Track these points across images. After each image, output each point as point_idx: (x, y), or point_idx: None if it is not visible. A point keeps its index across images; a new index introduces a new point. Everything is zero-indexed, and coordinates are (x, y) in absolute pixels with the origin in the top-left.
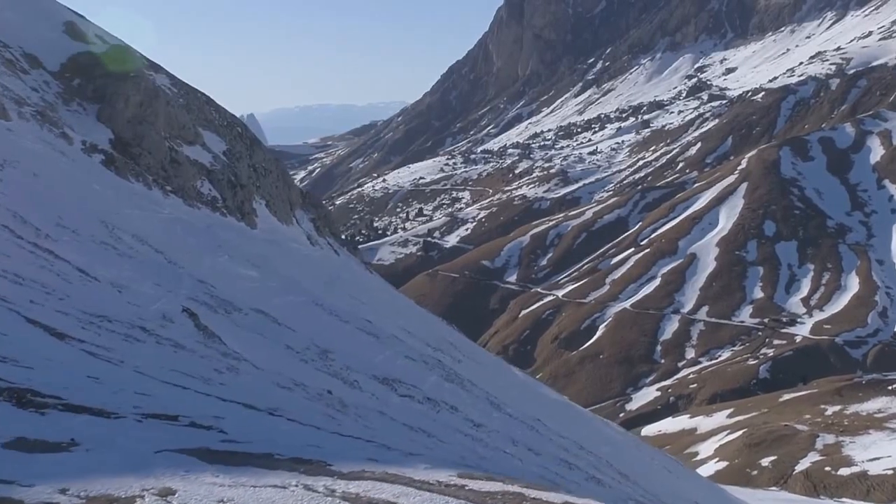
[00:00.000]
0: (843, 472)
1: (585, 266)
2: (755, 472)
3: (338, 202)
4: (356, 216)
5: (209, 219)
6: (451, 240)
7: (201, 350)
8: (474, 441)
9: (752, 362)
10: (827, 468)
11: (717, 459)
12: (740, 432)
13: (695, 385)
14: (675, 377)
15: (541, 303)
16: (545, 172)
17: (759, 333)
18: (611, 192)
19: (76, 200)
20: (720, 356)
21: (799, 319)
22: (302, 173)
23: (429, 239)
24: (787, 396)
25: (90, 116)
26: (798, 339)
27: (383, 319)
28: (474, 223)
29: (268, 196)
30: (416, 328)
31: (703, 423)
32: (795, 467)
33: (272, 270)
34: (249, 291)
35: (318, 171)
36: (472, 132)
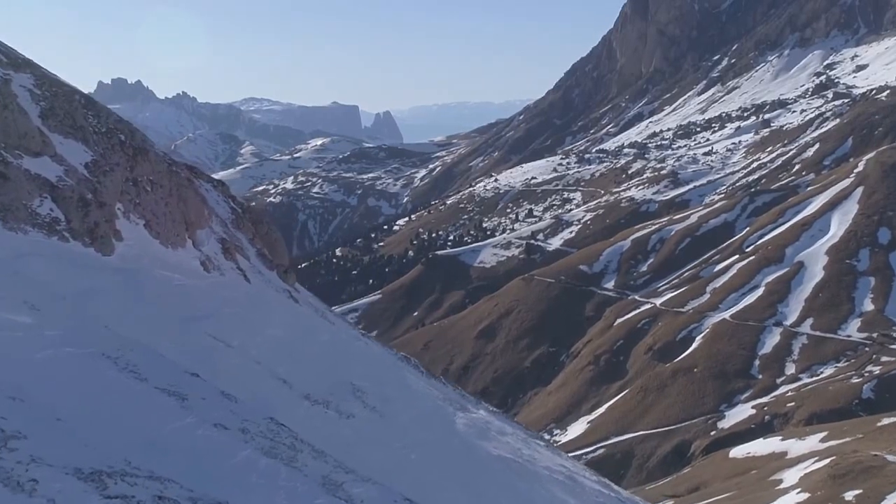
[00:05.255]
0: None
1: (687, 273)
2: None
3: (448, 202)
4: (465, 216)
5: (30, 246)
6: (555, 242)
7: None
8: None
9: (855, 380)
10: None
11: (798, 490)
12: (828, 460)
13: (792, 403)
14: (773, 394)
15: (637, 311)
16: (656, 174)
17: (867, 349)
18: (721, 196)
19: None
20: (822, 373)
21: None
22: (422, 172)
23: (532, 241)
24: (885, 421)
25: None
26: None
27: (247, 367)
28: (579, 226)
29: (150, 215)
30: (308, 374)
31: (794, 446)
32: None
33: (71, 313)
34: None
35: (438, 169)
36: (591, 131)
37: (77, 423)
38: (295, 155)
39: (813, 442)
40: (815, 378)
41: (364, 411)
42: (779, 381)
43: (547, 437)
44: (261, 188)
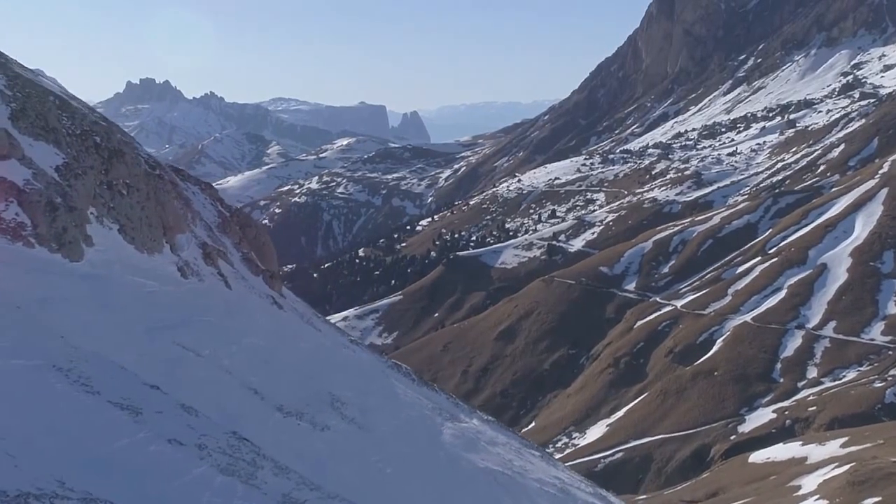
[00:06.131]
0: None
1: (708, 275)
2: None
3: (472, 202)
4: (488, 217)
5: None
6: (577, 244)
7: None
8: None
9: (878, 385)
10: None
11: (817, 497)
12: (848, 466)
13: (814, 408)
14: (794, 398)
15: (658, 313)
16: (679, 174)
17: (890, 353)
18: (745, 196)
19: None
20: (844, 377)
21: None
22: (447, 172)
23: (553, 242)
24: None
25: None
26: None
27: (215, 378)
28: (601, 227)
29: (124, 219)
30: (284, 384)
31: (814, 452)
32: None
33: (26, 323)
34: None
35: (463, 169)
36: (616, 131)
37: (10, 442)
38: (321, 155)
39: (833, 447)
40: (837, 382)
41: (341, 423)
42: (800, 384)
43: (565, 439)
44: (286, 188)
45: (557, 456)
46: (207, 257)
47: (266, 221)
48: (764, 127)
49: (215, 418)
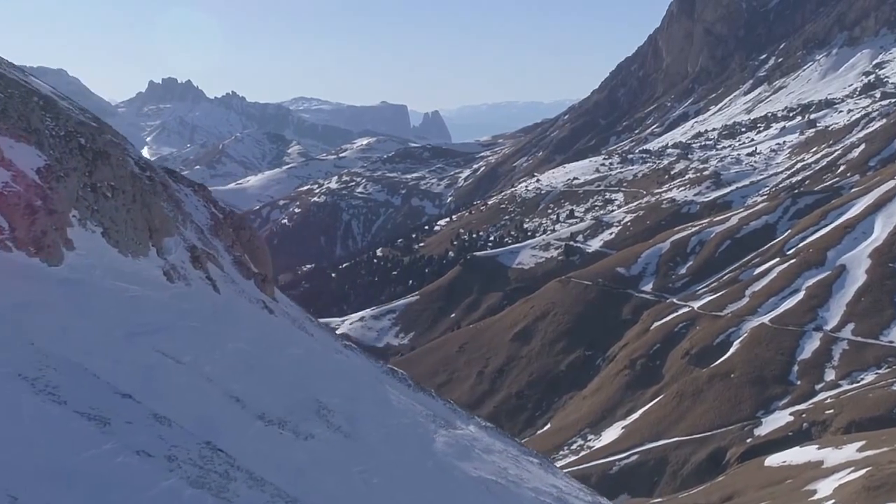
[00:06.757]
0: None
1: (726, 276)
2: None
3: (490, 202)
4: (506, 217)
5: None
6: (594, 244)
7: None
8: None
9: None
10: None
11: (833, 501)
12: (864, 471)
13: (831, 411)
14: (811, 401)
15: (675, 314)
16: (698, 174)
17: None
18: (764, 197)
19: None
20: (862, 379)
21: None
22: (466, 172)
23: (571, 243)
24: None
25: None
26: None
27: (194, 385)
28: (619, 227)
29: (108, 222)
30: (268, 391)
31: (831, 456)
32: None
33: None
34: None
35: (482, 169)
36: (636, 131)
37: None
38: (340, 155)
39: (850, 451)
40: (854, 385)
41: (326, 431)
42: (818, 387)
43: (580, 441)
44: (305, 188)
45: (572, 458)
46: (196, 261)
47: (285, 221)
48: (784, 127)
49: (190, 428)
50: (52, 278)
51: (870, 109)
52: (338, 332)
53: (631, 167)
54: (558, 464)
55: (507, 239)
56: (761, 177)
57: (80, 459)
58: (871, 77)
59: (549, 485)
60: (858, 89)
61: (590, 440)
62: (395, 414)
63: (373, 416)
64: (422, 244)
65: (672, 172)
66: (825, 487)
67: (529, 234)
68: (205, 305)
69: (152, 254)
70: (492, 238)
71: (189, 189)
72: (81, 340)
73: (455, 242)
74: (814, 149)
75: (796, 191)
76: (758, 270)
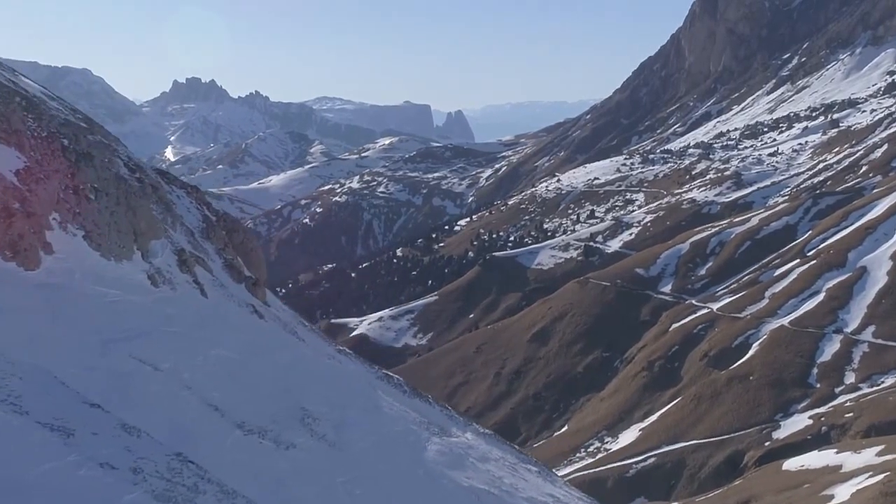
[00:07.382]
0: None
1: (746, 277)
2: None
3: (510, 202)
4: (527, 217)
5: None
6: (614, 245)
7: None
8: None
9: None
10: None
11: None
12: (882, 475)
13: (851, 414)
14: (830, 404)
15: (693, 316)
16: (719, 175)
17: None
18: (785, 197)
19: None
20: (883, 382)
21: None
22: (488, 171)
23: (590, 243)
24: None
25: None
26: None
27: (171, 394)
28: (639, 227)
29: (91, 225)
30: (250, 399)
31: (849, 460)
32: None
33: None
34: None
35: (504, 169)
36: (658, 131)
37: None
38: (363, 154)
39: (869, 455)
40: (875, 388)
41: (310, 440)
42: (837, 390)
43: (597, 443)
44: (327, 187)
45: (589, 460)
46: (183, 264)
47: (307, 221)
48: (807, 127)
49: (162, 438)
50: (28, 283)
51: (893, 109)
52: (356, 332)
53: (652, 167)
54: (574, 466)
55: (526, 239)
56: (783, 177)
57: (39, 472)
58: (895, 77)
59: (546, 494)
60: (882, 89)
61: (607, 442)
62: (386, 421)
63: (361, 423)
64: (442, 244)
65: (693, 173)
66: (843, 492)
67: (549, 234)
68: (189, 310)
69: (136, 257)
70: (512, 238)
71: (182, 191)
72: (54, 347)
73: (475, 242)
74: (836, 149)
75: (818, 191)
76: (778, 272)
